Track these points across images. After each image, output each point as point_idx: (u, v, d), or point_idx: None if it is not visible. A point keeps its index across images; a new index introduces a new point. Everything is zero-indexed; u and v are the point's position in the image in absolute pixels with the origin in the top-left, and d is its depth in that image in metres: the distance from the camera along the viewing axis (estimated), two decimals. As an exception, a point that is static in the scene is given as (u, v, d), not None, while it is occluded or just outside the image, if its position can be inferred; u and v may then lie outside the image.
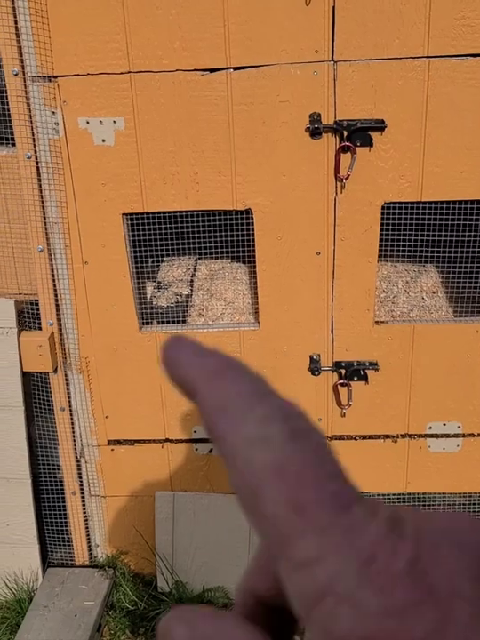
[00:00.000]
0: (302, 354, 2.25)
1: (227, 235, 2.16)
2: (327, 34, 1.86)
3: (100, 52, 1.91)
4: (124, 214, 2.10)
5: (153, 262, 2.65)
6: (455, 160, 1.97)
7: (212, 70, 1.92)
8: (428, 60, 1.87)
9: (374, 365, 2.24)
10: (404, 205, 2.07)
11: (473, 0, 1.80)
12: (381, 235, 2.10)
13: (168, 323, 2.32)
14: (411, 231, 2.17)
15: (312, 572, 0.19)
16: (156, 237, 2.16)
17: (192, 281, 2.67)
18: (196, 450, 2.42)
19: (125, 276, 2.18)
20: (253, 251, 2.14)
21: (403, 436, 2.36)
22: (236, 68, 1.91)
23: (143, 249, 2.19)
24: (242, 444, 0.21)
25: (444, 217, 2.09)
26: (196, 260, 2.84)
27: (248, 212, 2.08)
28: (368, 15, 1.83)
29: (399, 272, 2.80)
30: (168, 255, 2.78)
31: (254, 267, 2.23)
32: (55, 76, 1.94)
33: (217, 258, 2.79)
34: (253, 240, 2.12)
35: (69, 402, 2.35)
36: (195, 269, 2.77)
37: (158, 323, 2.34)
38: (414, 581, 0.17)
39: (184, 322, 2.40)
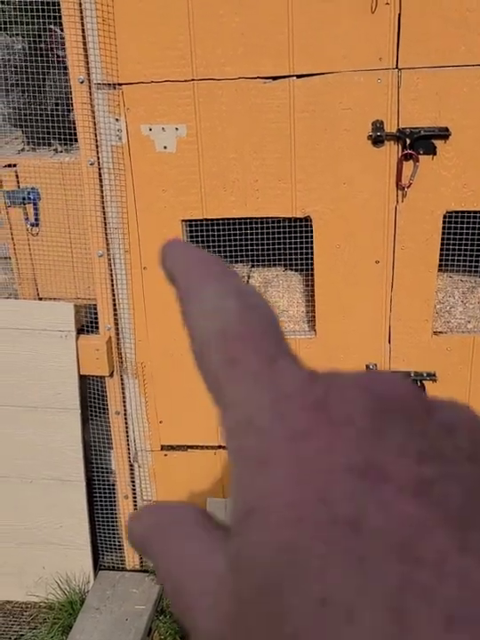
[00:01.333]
0: (359, 363, 2.23)
1: (282, 243, 2.16)
2: (392, 41, 1.84)
3: (163, 60, 1.93)
4: (183, 220, 2.11)
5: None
6: (520, 169, 1.94)
7: (274, 78, 1.92)
8: (493, 67, 1.85)
9: (432, 376, 2.20)
10: (462, 214, 2.03)
11: None
12: (441, 244, 2.08)
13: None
14: (468, 241, 2.14)
15: (235, 411, 0.21)
16: (213, 244, 2.17)
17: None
18: (249, 457, 2.41)
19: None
20: (311, 258, 2.13)
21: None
22: (299, 76, 1.91)
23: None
24: (198, 316, 0.23)
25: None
26: (250, 267, 2.84)
27: (307, 219, 2.07)
28: (433, 22, 1.82)
29: (455, 283, 2.76)
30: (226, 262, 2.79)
31: (309, 275, 2.23)
32: (120, 84, 1.97)
33: (271, 266, 2.79)
34: (311, 248, 2.11)
35: (124, 406, 2.37)
36: (249, 277, 2.78)
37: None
38: (316, 412, 0.19)
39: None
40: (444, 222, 2.03)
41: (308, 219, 2.07)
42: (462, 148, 1.93)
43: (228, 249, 2.19)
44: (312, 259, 2.13)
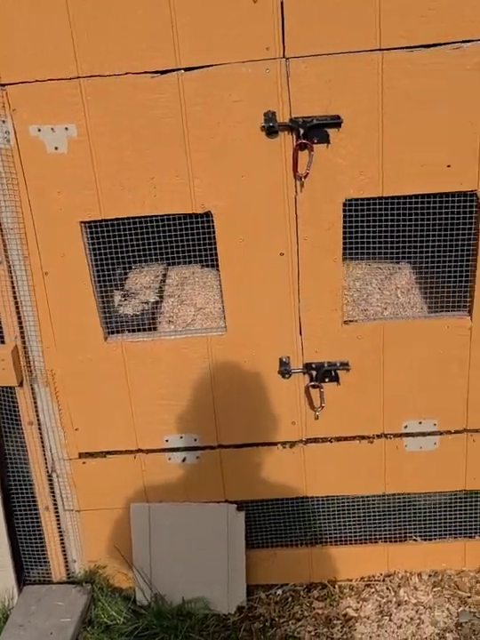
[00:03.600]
0: (272, 357, 2.21)
1: (196, 240, 2.12)
2: (277, 30, 1.82)
3: (46, 58, 1.87)
4: (82, 222, 2.06)
5: (122, 271, 2.62)
6: (415, 153, 1.94)
7: (162, 72, 1.88)
8: (381, 52, 1.84)
9: (345, 365, 2.19)
10: (375, 203, 2.02)
11: (423, -10, 1.77)
12: (354, 234, 2.07)
13: (136, 331, 2.28)
14: (385, 230, 2.13)
15: None
16: (124, 245, 2.12)
17: (162, 288, 2.63)
18: (170, 459, 2.37)
19: (87, 285, 2.14)
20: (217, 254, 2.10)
21: (379, 436, 2.32)
22: (186, 69, 1.88)
23: (111, 258, 2.15)
24: None
25: (414, 212, 2.06)
26: (165, 267, 2.80)
27: (208, 215, 2.04)
28: (317, 9, 1.80)
29: (373, 271, 2.77)
30: (137, 263, 2.74)
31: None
32: (3, 85, 1.90)
33: (188, 264, 2.75)
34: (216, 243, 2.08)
35: (37, 415, 2.31)
36: (165, 277, 2.74)
37: (120, 331, 2.30)
38: None
39: (153, 329, 2.36)
40: (361, 211, 2.02)
41: (209, 214, 2.04)
42: (355, 135, 1.92)
43: (142, 249, 2.15)
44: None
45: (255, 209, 2.02)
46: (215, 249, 2.10)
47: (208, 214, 2.04)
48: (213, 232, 2.07)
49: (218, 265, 2.12)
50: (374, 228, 2.09)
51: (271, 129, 1.91)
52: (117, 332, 2.27)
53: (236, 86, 1.88)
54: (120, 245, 2.13)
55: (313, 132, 1.91)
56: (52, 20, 1.84)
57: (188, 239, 2.14)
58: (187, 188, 2.00)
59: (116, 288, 2.53)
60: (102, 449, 2.37)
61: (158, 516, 2.43)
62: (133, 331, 2.29)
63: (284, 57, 1.85)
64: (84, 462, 2.39)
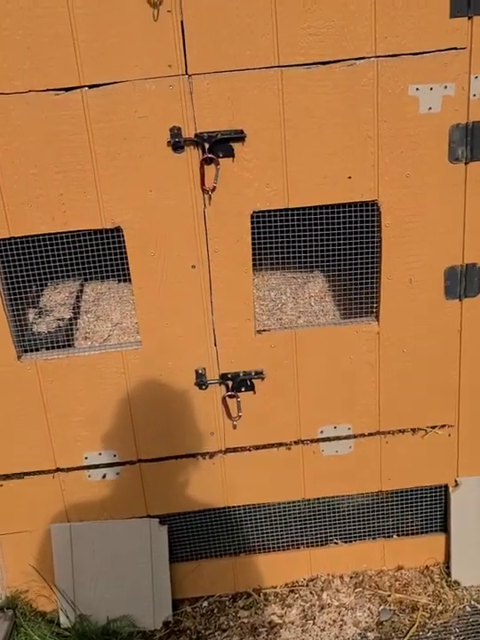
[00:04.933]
0: (188, 369, 2.23)
1: (111, 255, 2.13)
2: (178, 48, 1.86)
3: None
4: (-11, 241, 2.04)
5: (37, 288, 2.59)
6: (317, 166, 2.01)
7: (66, 89, 1.89)
8: (279, 69, 1.90)
9: (260, 374, 2.24)
10: (282, 214, 2.08)
11: (316, 10, 1.85)
12: (267, 244, 2.12)
13: (51, 348, 2.26)
14: (296, 239, 2.19)
15: None
16: (41, 261, 2.11)
17: (78, 305, 2.62)
18: (89, 476, 2.36)
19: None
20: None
21: (296, 442, 2.37)
22: (90, 86, 1.89)
23: (24, 275, 2.13)
24: None
25: (323, 222, 2.13)
26: (81, 283, 2.79)
27: (119, 230, 2.05)
28: (217, 28, 1.85)
29: (288, 280, 2.83)
30: (53, 280, 2.72)
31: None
32: None
33: (104, 279, 2.75)
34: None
35: None
36: (81, 293, 2.73)
37: (37, 349, 2.28)
38: None
39: (68, 346, 2.35)
40: (273, 221, 2.07)
41: (119, 229, 2.05)
42: (259, 149, 1.97)
43: (56, 265, 2.14)
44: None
45: (165, 223, 2.04)
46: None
47: (118, 229, 2.05)
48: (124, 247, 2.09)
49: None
50: (286, 238, 2.16)
51: (177, 144, 1.95)
52: (32, 350, 2.25)
53: (141, 102, 1.91)
54: (33, 262, 2.12)
55: (218, 146, 1.96)
56: (-48, 37, 1.83)
57: (102, 254, 2.15)
58: (96, 204, 2.01)
59: (30, 305, 2.50)
60: (19, 470, 2.33)
61: (80, 535, 2.40)
62: (48, 349, 2.27)
63: (186, 74, 1.89)
64: (0, 485, 2.34)
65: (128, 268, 2.11)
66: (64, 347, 2.31)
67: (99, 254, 2.14)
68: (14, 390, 2.21)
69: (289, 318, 2.56)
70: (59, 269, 2.22)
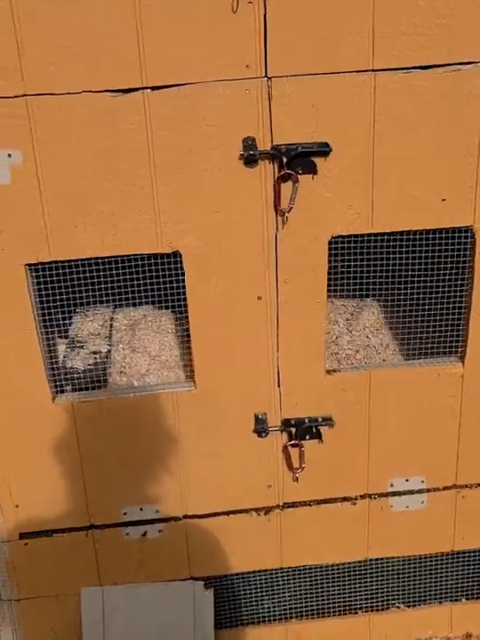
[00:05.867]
0: (246, 414, 1.96)
1: (148, 278, 1.86)
2: (259, 46, 1.60)
3: (-13, 72, 1.57)
4: (27, 265, 1.75)
5: (63, 315, 2.30)
6: (408, 185, 1.75)
7: (125, 91, 1.62)
8: (373, 73, 1.64)
9: (328, 421, 1.96)
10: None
11: (419, 8, 1.59)
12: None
13: (86, 388, 1.97)
14: (348, 263, 1.94)
15: None
16: (64, 285, 1.83)
17: (111, 334, 2.33)
18: (127, 534, 2.06)
19: (32, 337, 1.82)
20: (183, 294, 1.84)
21: (362, 496, 2.09)
22: (154, 88, 1.62)
23: (51, 300, 1.85)
24: None
25: (390, 247, 1.88)
26: (113, 309, 2.51)
27: (176, 255, 1.78)
28: (304, 24, 1.59)
29: (337, 308, 2.58)
30: (81, 305, 2.44)
31: (182, 313, 1.94)
32: None
33: (138, 305, 2.47)
34: (183, 286, 1.82)
35: (-30, 492, 1.95)
36: (112, 321, 2.44)
37: (73, 389, 1.99)
38: None
39: (104, 383, 2.06)
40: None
41: (176, 254, 1.78)
42: (344, 165, 1.71)
43: (86, 290, 1.87)
44: (184, 295, 1.84)
45: (230, 248, 1.77)
46: (174, 287, 1.84)
47: (176, 254, 1.78)
48: (177, 271, 1.82)
49: (173, 305, 1.87)
50: (338, 262, 1.91)
51: (251, 157, 1.68)
52: (65, 389, 1.96)
53: (211, 108, 1.64)
54: (64, 287, 1.84)
55: (297, 161, 1.69)
56: (-7, 27, 1.55)
57: (139, 278, 1.87)
58: (152, 226, 1.73)
59: (58, 335, 2.21)
60: (48, 527, 2.03)
61: (114, 600, 2.10)
62: (81, 389, 1.98)
63: (266, 76, 1.63)
64: (25, 543, 2.04)
65: (169, 294, 1.85)
66: (100, 384, 2.03)
67: (133, 278, 1.86)
68: (47, 437, 1.92)
69: (346, 353, 2.30)
70: (90, 294, 1.95)
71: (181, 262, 1.78)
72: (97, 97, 1.61)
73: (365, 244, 1.88)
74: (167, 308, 2.45)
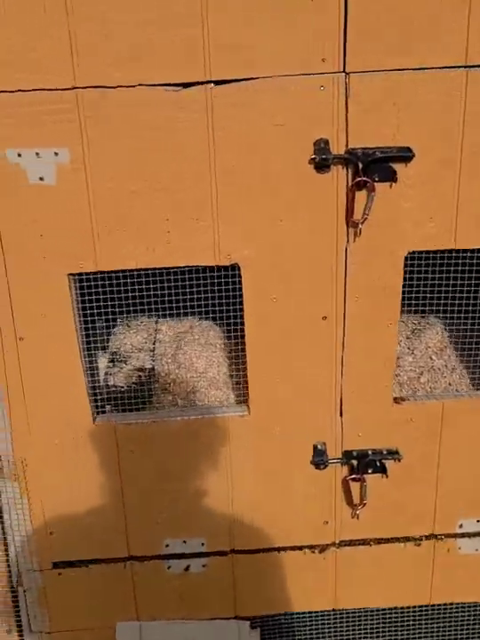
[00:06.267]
0: (304, 443, 1.78)
1: (196, 288, 1.69)
2: (338, 37, 1.41)
3: (35, 62, 1.41)
4: (70, 275, 1.59)
5: (103, 325, 2.15)
6: (497, 197, 1.55)
7: (185, 85, 1.45)
8: (465, 70, 1.45)
9: (395, 454, 1.77)
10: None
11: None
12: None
13: (129, 409, 1.81)
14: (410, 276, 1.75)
15: None
16: (110, 294, 1.67)
17: (154, 348, 2.17)
18: (169, 568, 1.90)
19: (73, 352, 1.66)
20: (234, 306, 1.67)
21: (428, 537, 1.90)
22: (217, 83, 1.45)
23: (92, 310, 1.69)
24: None
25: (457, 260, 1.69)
26: (157, 319, 2.35)
27: (235, 268, 1.61)
28: (389, 13, 1.40)
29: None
30: (122, 315, 2.28)
31: (231, 326, 1.77)
32: (-27, 93, 1.44)
33: (183, 315, 2.30)
34: (235, 294, 1.65)
35: (1, 515, 1.80)
36: (156, 333, 2.28)
37: (113, 408, 1.83)
38: None
39: (148, 402, 1.90)
40: None
41: (234, 266, 1.60)
42: (427, 172, 1.52)
43: (130, 299, 1.71)
44: (235, 306, 1.67)
45: (295, 261, 1.59)
46: (223, 297, 1.67)
47: (234, 267, 1.61)
48: (232, 281, 1.65)
49: (226, 317, 1.71)
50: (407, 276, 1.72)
51: (323, 162, 1.49)
52: (105, 407, 1.80)
53: (281, 106, 1.46)
54: (107, 295, 1.68)
55: (374, 167, 1.51)
56: (43, 12, 1.39)
57: (187, 287, 1.71)
58: (210, 234, 1.56)
59: (99, 349, 2.06)
60: (84, 557, 1.88)
61: (151, 636, 1.94)
62: (123, 408, 1.82)
63: (343, 71, 1.44)
64: (59, 573, 1.88)
65: (218, 306, 1.68)
66: (145, 404, 1.87)
67: (179, 287, 1.69)
68: (86, 460, 1.76)
69: (408, 376, 2.11)
70: (134, 304, 1.79)
71: (234, 273, 1.61)
72: (154, 91, 1.45)
73: (430, 257, 1.70)
74: (214, 319, 2.29)
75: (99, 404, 1.77)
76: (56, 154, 1.48)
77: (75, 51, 1.40)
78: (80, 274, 1.61)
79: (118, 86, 1.44)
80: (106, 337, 2.16)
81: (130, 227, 1.55)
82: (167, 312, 2.23)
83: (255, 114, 1.47)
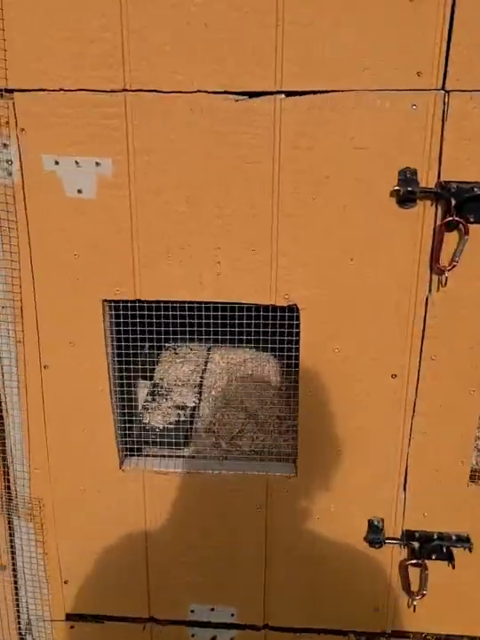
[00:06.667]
0: (358, 517, 1.53)
1: (253, 319, 1.47)
2: (439, 49, 1.17)
3: (79, 59, 1.23)
4: (105, 301, 1.40)
5: (149, 349, 1.95)
6: None
7: (252, 94, 1.23)
8: None
9: (465, 542, 1.50)
10: None
11: None
12: None
13: (162, 454, 1.60)
14: None
15: None
16: (157, 320, 1.47)
17: (202, 381, 1.96)
18: (193, 636, 1.68)
19: (103, 386, 1.47)
20: (292, 343, 1.44)
21: (495, 638, 1.62)
22: (289, 94, 1.23)
23: (134, 340, 1.49)
24: None
25: None
26: (209, 346, 2.14)
27: (292, 309, 1.38)
28: (505, 20, 1.15)
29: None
30: (170, 340, 2.09)
31: (289, 360, 1.54)
32: (10, 90, 1.26)
33: (238, 342, 2.08)
34: (292, 335, 1.42)
35: (13, 558, 1.63)
36: (206, 362, 2.07)
37: (146, 448, 1.62)
38: None
39: (186, 444, 1.69)
40: None
41: (293, 308, 1.37)
42: None
43: (171, 326, 1.50)
44: (296, 345, 1.44)
45: (364, 308, 1.35)
46: (285, 333, 1.44)
47: (292, 308, 1.38)
48: (295, 330, 1.42)
49: (282, 351, 1.48)
50: None
51: (408, 195, 1.25)
52: (137, 449, 1.60)
53: (363, 126, 1.23)
54: (153, 322, 1.48)
55: (471, 205, 1.25)
56: (91, 4, 1.20)
57: (243, 317, 1.48)
58: (267, 269, 1.34)
59: (140, 376, 1.86)
60: (100, 611, 1.68)
61: None
62: (157, 448, 1.62)
63: (442, 89, 1.19)
64: (71, 626, 1.69)
65: (289, 341, 1.45)
66: (183, 445, 1.66)
67: (234, 316, 1.47)
68: (108, 507, 1.56)
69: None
70: (184, 329, 1.58)
71: (297, 319, 1.38)
72: (215, 99, 1.24)
73: None
74: (274, 349, 2.06)
75: (128, 444, 1.57)
76: (97, 164, 1.29)
77: (126, 50, 1.21)
78: (118, 302, 1.41)
79: (174, 92, 1.24)
80: (150, 364, 1.96)
81: (175, 252, 1.34)
82: (219, 337, 2.02)
83: (331, 133, 1.24)
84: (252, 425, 1.86)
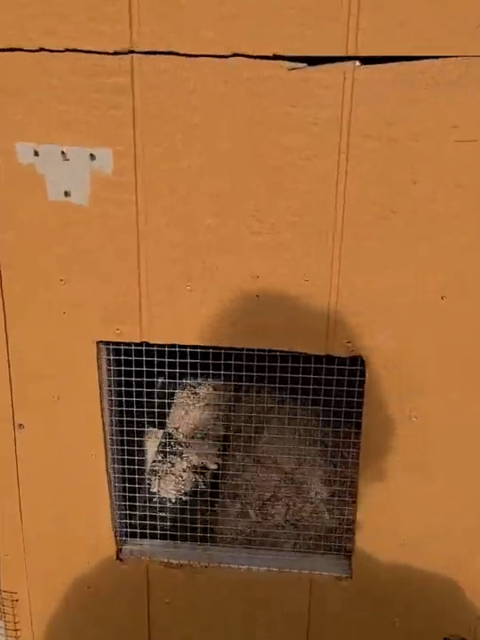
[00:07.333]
0: (429, 633, 1.15)
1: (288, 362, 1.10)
2: None
3: (69, 6, 0.87)
4: (100, 343, 1.03)
5: (162, 387, 1.59)
6: None
7: (312, 60, 0.86)
8: None
9: None
10: None
11: None
12: None
13: (174, 536, 1.23)
14: None
15: None
16: (170, 359, 1.11)
17: (228, 431, 1.59)
18: None
19: (95, 452, 1.10)
20: (353, 426, 1.07)
21: None
22: (364, 61, 0.85)
23: (133, 381, 1.13)
24: None
25: None
26: (233, 390, 1.76)
27: (356, 361, 1.00)
28: None
29: None
30: (188, 376, 1.72)
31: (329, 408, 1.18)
32: (-30, 50, 0.90)
33: (268, 389, 1.71)
34: (355, 407, 1.05)
35: (-21, 662, 1.27)
36: (231, 406, 1.69)
37: (151, 528, 1.25)
38: None
39: (201, 514, 1.33)
40: None
41: (356, 360, 1.00)
42: None
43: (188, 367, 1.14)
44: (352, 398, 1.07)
45: (451, 361, 0.98)
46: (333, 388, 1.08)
47: (355, 360, 1.00)
48: (357, 387, 1.05)
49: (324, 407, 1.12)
50: None
51: None
52: (141, 531, 1.23)
53: (472, 109, 0.85)
54: (165, 361, 1.12)
55: None
56: None
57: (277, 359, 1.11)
58: (323, 305, 0.96)
59: (149, 420, 1.49)
60: None
61: None
62: (167, 527, 1.25)
63: None
64: None
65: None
66: (196, 526, 1.29)
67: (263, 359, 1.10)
68: (101, 604, 1.20)
69: None
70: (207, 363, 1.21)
71: (363, 372, 1.01)
72: (258, 66, 0.87)
73: None
74: (306, 395, 1.69)
75: (128, 530, 1.20)
76: (92, 156, 0.93)
77: (135, -10, 0.85)
78: (117, 344, 1.05)
79: (200, 55, 0.87)
80: (163, 406, 1.60)
81: (197, 280, 0.97)
82: (253, 373, 1.65)
83: (425, 118, 0.87)
84: (288, 487, 1.49)
